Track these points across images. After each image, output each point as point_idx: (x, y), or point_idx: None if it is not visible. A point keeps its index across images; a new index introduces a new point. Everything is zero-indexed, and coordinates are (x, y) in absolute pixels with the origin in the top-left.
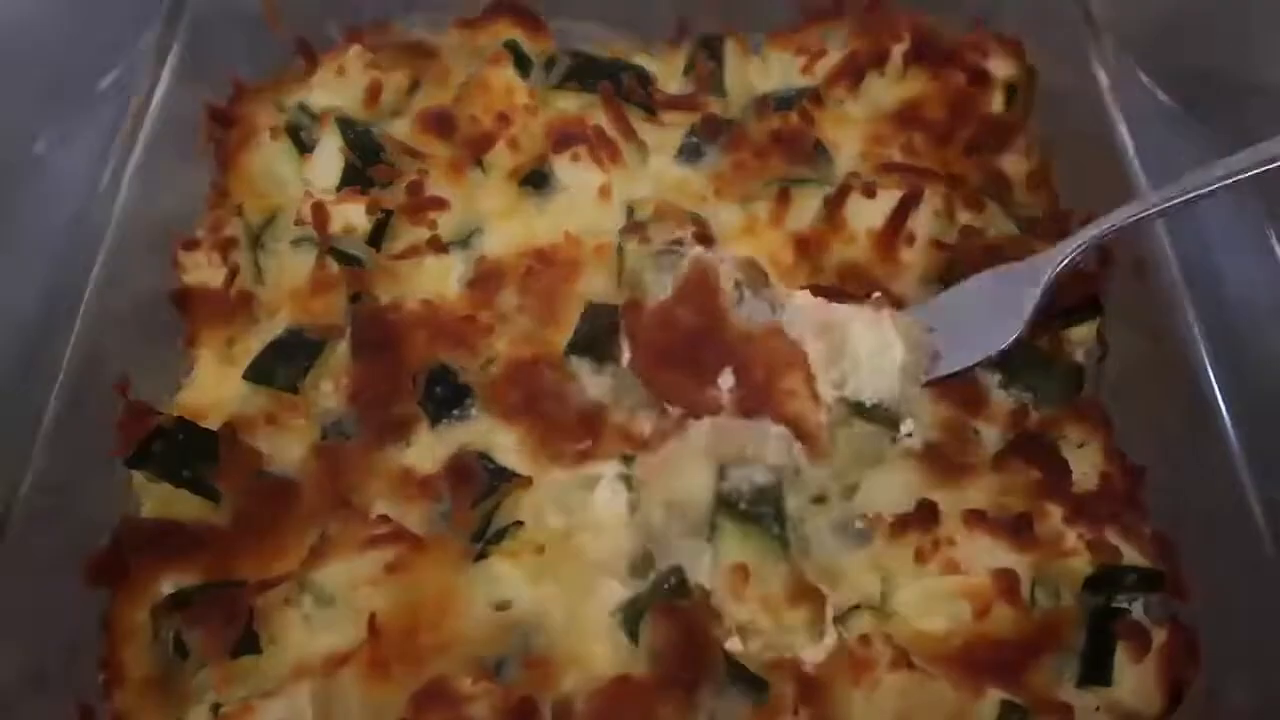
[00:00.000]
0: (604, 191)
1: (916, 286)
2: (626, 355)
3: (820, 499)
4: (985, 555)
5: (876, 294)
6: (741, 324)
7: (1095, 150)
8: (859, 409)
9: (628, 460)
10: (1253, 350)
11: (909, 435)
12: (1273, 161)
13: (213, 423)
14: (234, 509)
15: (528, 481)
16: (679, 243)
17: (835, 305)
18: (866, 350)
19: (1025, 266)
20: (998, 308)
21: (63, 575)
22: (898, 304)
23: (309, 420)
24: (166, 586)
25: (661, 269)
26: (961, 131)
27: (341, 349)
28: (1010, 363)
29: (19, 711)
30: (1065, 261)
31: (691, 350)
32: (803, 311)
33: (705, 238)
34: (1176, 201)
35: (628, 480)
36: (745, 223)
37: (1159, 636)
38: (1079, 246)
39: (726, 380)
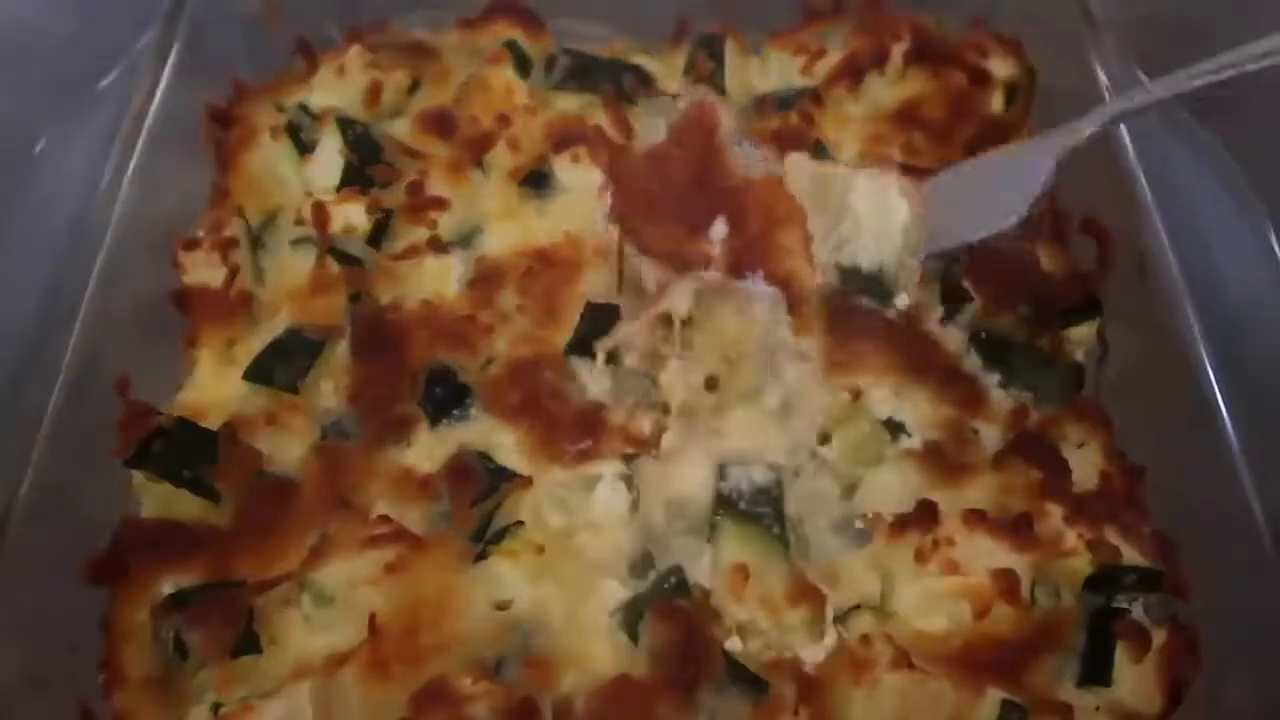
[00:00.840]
0: (604, 192)
1: (916, 286)
2: (608, 200)
3: (820, 498)
4: (985, 555)
5: (886, 160)
6: (740, 169)
7: (1095, 150)
8: (854, 275)
9: (628, 460)
10: (1253, 350)
11: (903, 309)
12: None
13: (213, 423)
14: (234, 509)
15: (528, 481)
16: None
17: (833, 165)
18: (868, 210)
19: (1032, 146)
20: (1003, 186)
21: (63, 575)
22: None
23: (309, 420)
24: (166, 586)
25: (655, 112)
26: (961, 131)
27: (341, 349)
28: (1010, 362)
29: (19, 711)
30: (1073, 144)
31: (684, 195)
32: (801, 168)
33: None
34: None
35: (628, 480)
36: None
37: (1159, 636)
38: (1089, 128)
39: (719, 230)
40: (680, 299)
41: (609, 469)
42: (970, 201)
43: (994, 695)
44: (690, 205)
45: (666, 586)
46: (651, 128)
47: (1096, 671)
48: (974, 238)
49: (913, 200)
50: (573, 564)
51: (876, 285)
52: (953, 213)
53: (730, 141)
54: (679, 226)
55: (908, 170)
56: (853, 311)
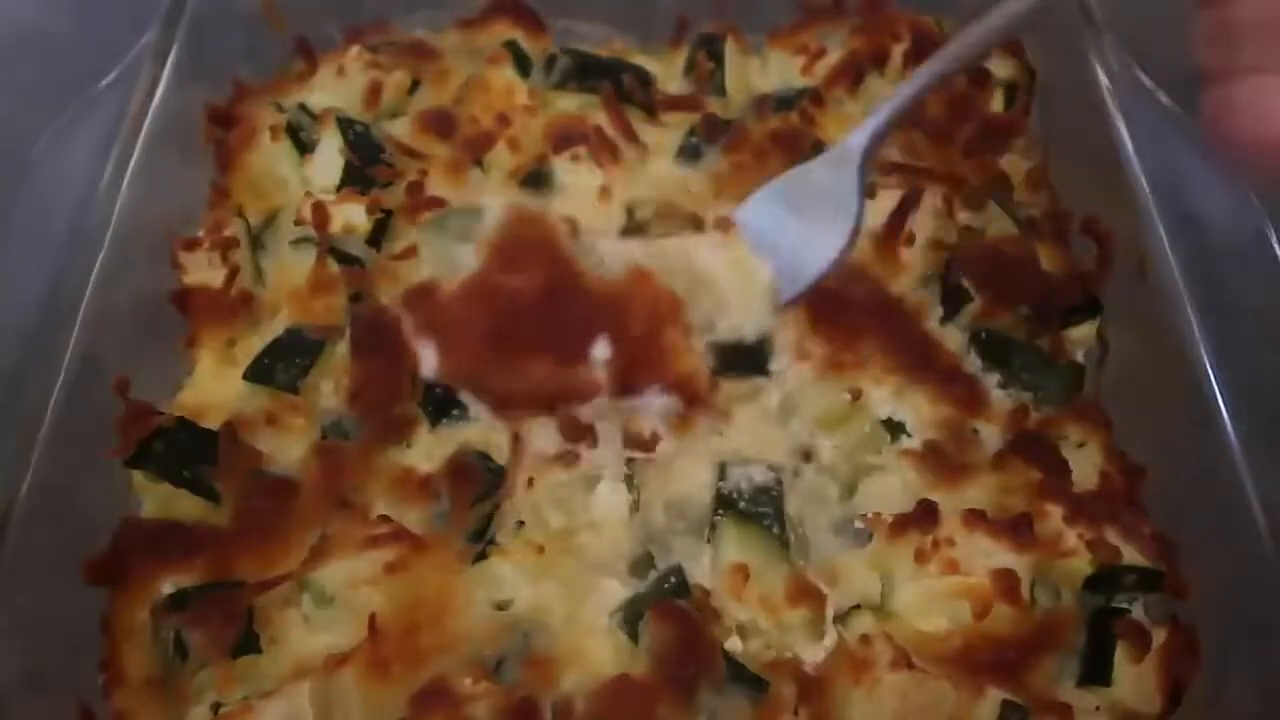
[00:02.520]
0: (604, 192)
1: (916, 286)
2: (430, 362)
3: (820, 498)
4: (985, 555)
5: (716, 214)
6: (596, 276)
7: (1095, 150)
8: (734, 351)
9: (628, 460)
10: (1252, 350)
11: (779, 374)
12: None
13: (213, 423)
14: (234, 509)
15: (528, 482)
16: (469, 209)
17: (663, 243)
18: (727, 278)
19: (836, 153)
20: (821, 207)
21: (63, 575)
22: (894, 307)
23: (309, 420)
24: (166, 586)
25: (450, 239)
26: (961, 131)
27: (341, 349)
28: (1010, 362)
29: (19, 711)
30: (874, 142)
31: (544, 320)
32: (623, 254)
33: None
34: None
35: (628, 480)
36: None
37: (1159, 636)
38: (882, 120)
39: (601, 350)
40: (543, 442)
41: (609, 470)
42: (796, 232)
43: (994, 695)
44: (553, 331)
45: (666, 586)
46: (452, 256)
47: (1096, 671)
48: (817, 278)
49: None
50: (573, 564)
51: (758, 357)
52: (783, 249)
53: (572, 244)
54: (544, 360)
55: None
56: (852, 311)
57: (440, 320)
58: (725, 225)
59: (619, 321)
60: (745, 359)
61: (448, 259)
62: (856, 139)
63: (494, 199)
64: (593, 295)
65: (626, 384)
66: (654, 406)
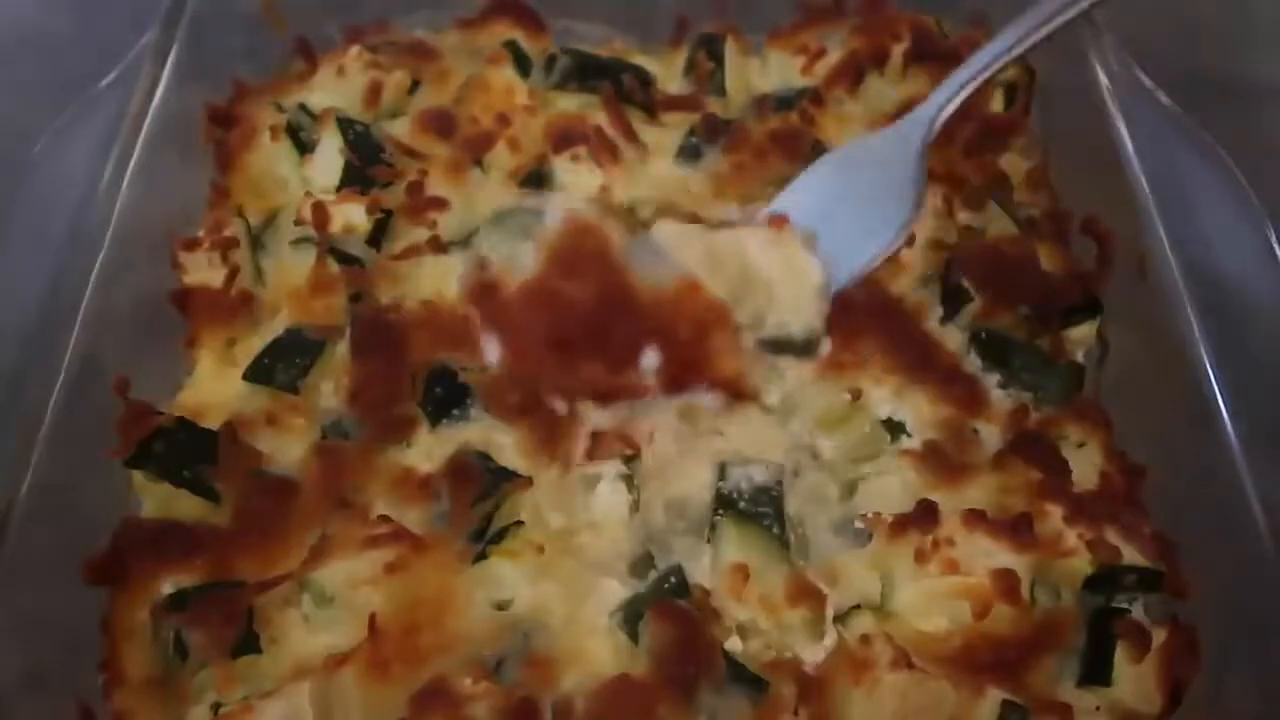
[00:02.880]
0: (604, 192)
1: (916, 286)
2: (493, 355)
3: (820, 498)
4: (985, 555)
5: (762, 208)
6: (648, 286)
7: (1095, 150)
8: (784, 347)
9: (628, 460)
10: (1253, 350)
11: (826, 353)
12: None
13: (213, 423)
14: (234, 509)
15: (528, 482)
16: (531, 210)
17: (718, 231)
18: (778, 276)
19: (892, 136)
20: (877, 193)
21: (63, 575)
22: (894, 307)
23: (309, 420)
24: (166, 586)
25: (514, 236)
26: (961, 131)
27: (341, 349)
28: (1010, 362)
29: (19, 711)
30: (939, 124)
31: (596, 328)
32: (682, 243)
33: None
34: (1039, 35)
35: (628, 480)
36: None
37: (1159, 636)
38: (948, 99)
39: (650, 360)
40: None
41: (609, 469)
42: (851, 218)
43: (994, 695)
44: (606, 338)
45: (666, 586)
46: (511, 252)
47: (1096, 671)
48: (870, 266)
49: (811, 245)
50: (573, 564)
51: (807, 348)
52: (836, 235)
53: (624, 253)
54: (598, 363)
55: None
56: (852, 311)
57: (503, 318)
58: (779, 223)
59: (667, 331)
60: (798, 350)
61: (509, 255)
62: (922, 116)
63: (558, 200)
64: (643, 305)
65: (675, 386)
66: (703, 402)
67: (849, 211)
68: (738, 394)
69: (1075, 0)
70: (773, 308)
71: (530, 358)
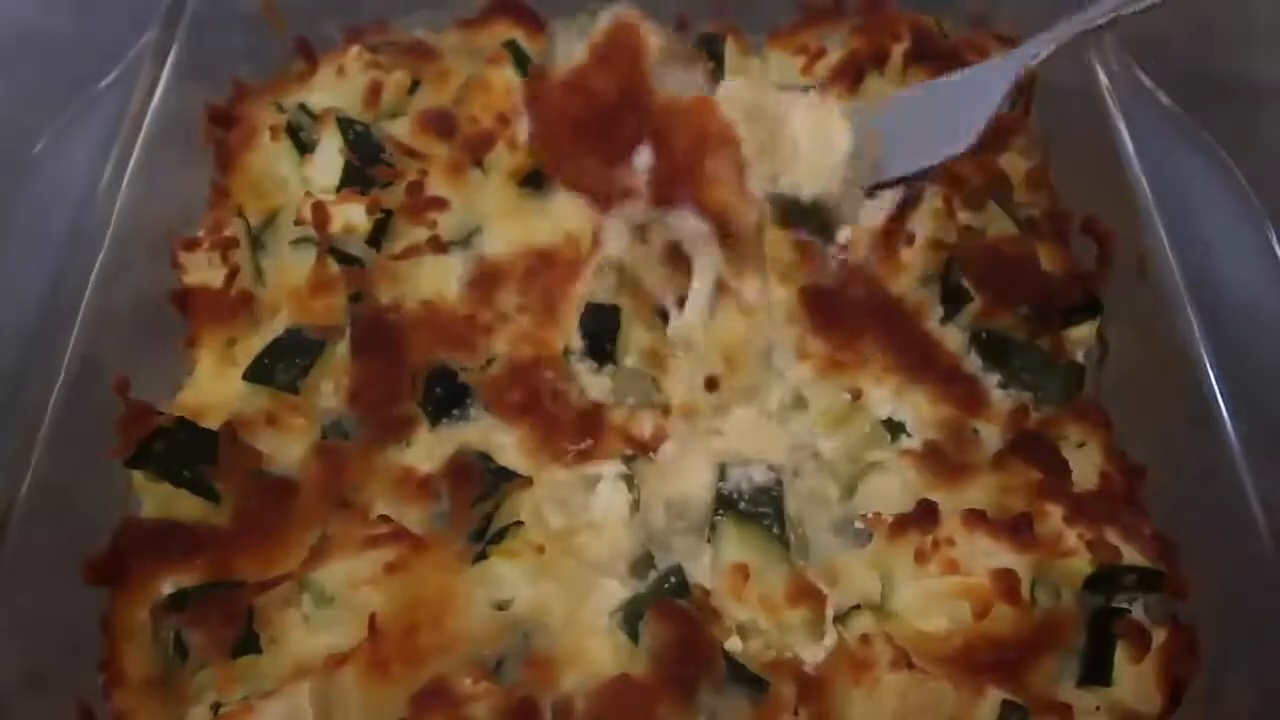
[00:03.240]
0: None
1: (916, 286)
2: (525, 129)
3: (820, 498)
4: (985, 555)
5: (816, 85)
6: (664, 92)
7: (1095, 150)
8: (792, 207)
9: (628, 460)
10: (1253, 350)
11: (843, 246)
12: None
13: (213, 423)
14: (234, 509)
15: (528, 482)
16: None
17: (772, 90)
18: (807, 139)
19: (981, 71)
20: (952, 112)
21: (63, 575)
22: (894, 307)
23: (309, 420)
24: (166, 586)
25: (574, 33)
26: None
27: (341, 349)
28: (1010, 362)
29: (19, 711)
30: (1023, 70)
31: (605, 121)
32: (735, 94)
33: None
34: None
35: (628, 480)
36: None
37: (1159, 636)
38: (1035, 53)
39: (643, 158)
40: (613, 242)
41: (609, 469)
42: (919, 128)
43: (994, 695)
44: (612, 132)
45: (666, 586)
46: (570, 49)
47: (1096, 671)
48: (927, 163)
49: (857, 127)
50: (573, 564)
51: (815, 218)
52: (901, 140)
53: (659, 62)
54: (600, 155)
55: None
56: (852, 311)
57: (540, 99)
58: (826, 90)
59: (667, 136)
60: (806, 217)
61: (568, 52)
62: (1027, 51)
63: (621, 5)
64: (653, 108)
65: (663, 196)
66: (685, 226)
67: (924, 122)
68: (723, 228)
69: None
70: (793, 165)
71: (551, 138)
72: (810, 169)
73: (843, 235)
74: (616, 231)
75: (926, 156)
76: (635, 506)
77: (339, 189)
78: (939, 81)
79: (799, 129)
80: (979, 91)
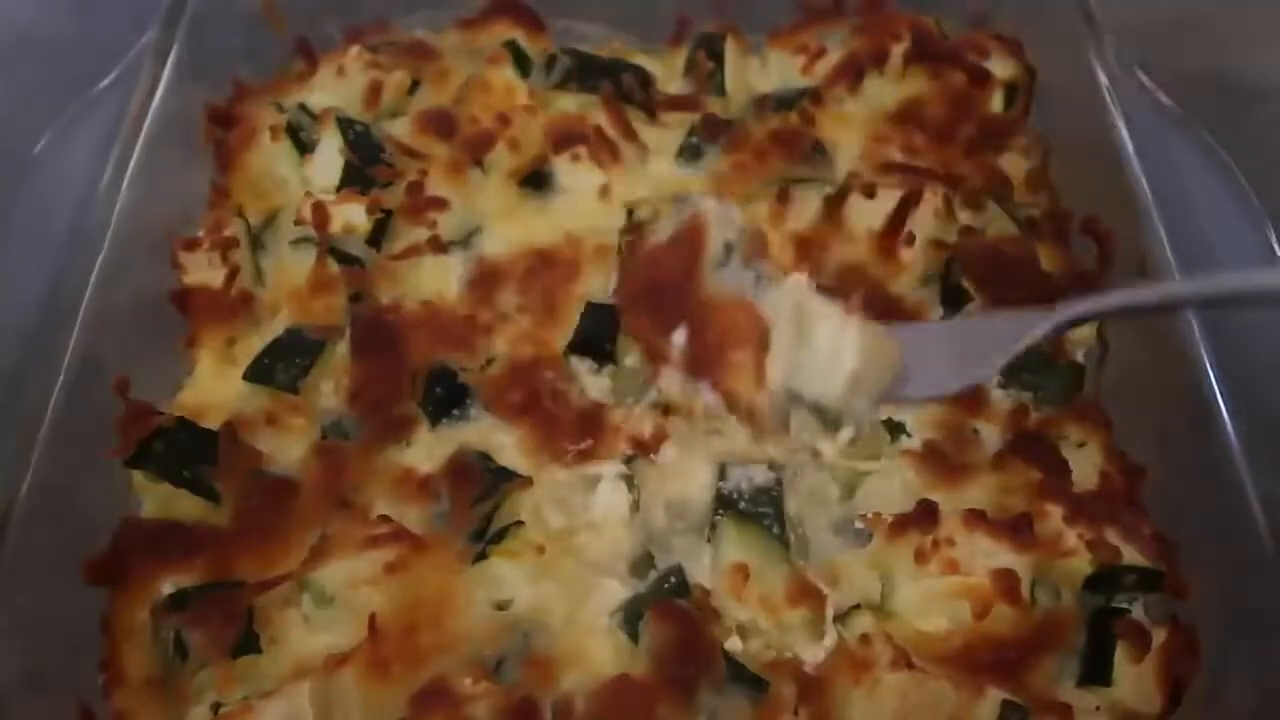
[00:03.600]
0: (604, 192)
1: (916, 286)
2: (614, 285)
3: (820, 498)
4: (985, 555)
5: (856, 298)
6: (712, 286)
7: (1095, 150)
8: (799, 400)
9: (628, 460)
10: (1253, 350)
11: (848, 441)
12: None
13: (213, 423)
14: (234, 509)
15: (528, 481)
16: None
17: (816, 296)
18: (823, 349)
19: (1017, 320)
20: (978, 348)
21: (63, 575)
22: (894, 307)
23: (309, 420)
24: (166, 586)
25: (673, 217)
26: (961, 131)
27: (341, 349)
28: (1010, 362)
29: (19, 711)
30: (1054, 330)
31: (660, 297)
32: (787, 292)
33: None
34: (1202, 296)
35: (628, 480)
36: (745, 223)
37: (1159, 636)
38: (1073, 318)
39: (679, 337)
40: (668, 385)
41: (609, 469)
42: (941, 356)
43: (994, 695)
44: (663, 308)
45: (666, 586)
46: (664, 227)
47: (1096, 671)
48: (929, 395)
49: (874, 348)
50: (573, 564)
51: (821, 414)
52: (921, 363)
53: (718, 256)
54: (653, 319)
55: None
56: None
57: (631, 262)
58: (856, 308)
59: (700, 323)
60: (813, 410)
61: (664, 228)
62: (1045, 323)
63: (707, 202)
64: (695, 295)
65: (690, 371)
66: (704, 398)
67: (942, 354)
68: (732, 406)
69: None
70: (809, 367)
71: (626, 296)
72: (818, 376)
73: (845, 434)
74: (669, 379)
75: (938, 386)
76: (635, 507)
77: (339, 189)
78: (978, 318)
79: (820, 339)
80: (1008, 334)
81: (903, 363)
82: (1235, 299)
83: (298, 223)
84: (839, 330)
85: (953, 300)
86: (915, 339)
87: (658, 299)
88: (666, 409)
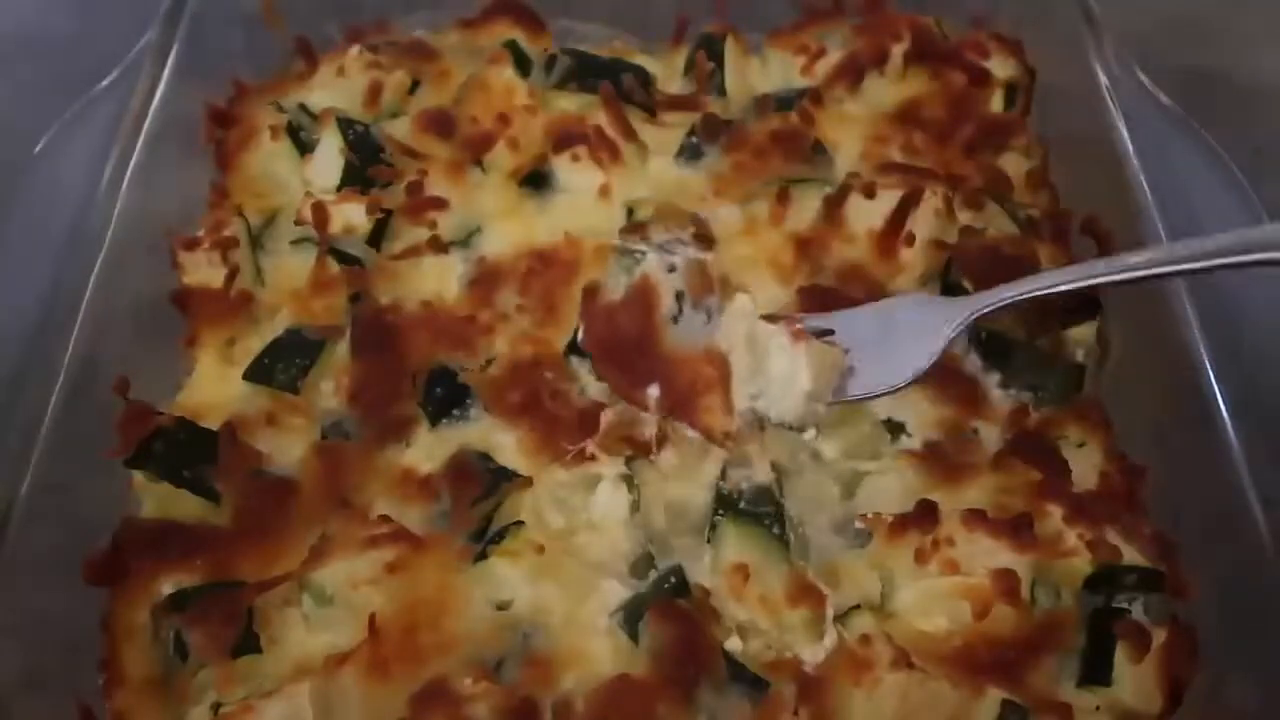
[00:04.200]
0: (604, 192)
1: (916, 286)
2: (581, 335)
3: (820, 498)
4: (985, 555)
5: (800, 320)
6: (674, 344)
7: (1095, 150)
8: (766, 419)
9: (629, 460)
10: (1252, 350)
11: (812, 439)
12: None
13: (213, 423)
14: (234, 509)
15: (528, 481)
16: (641, 252)
17: (762, 323)
18: (778, 372)
19: (947, 302)
20: (913, 336)
21: (63, 575)
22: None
23: (309, 420)
24: (166, 587)
25: (619, 268)
26: (961, 131)
27: (341, 349)
28: (1010, 362)
29: (19, 711)
30: (985, 310)
31: (628, 355)
32: (737, 317)
33: (705, 238)
34: (1117, 279)
35: (628, 481)
36: (745, 223)
37: (1159, 636)
38: (1002, 300)
39: (654, 391)
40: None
41: (609, 470)
42: (881, 348)
43: (994, 695)
44: (633, 365)
45: (666, 586)
46: (615, 281)
47: (1096, 671)
48: (875, 393)
49: (822, 360)
50: (573, 564)
51: (785, 427)
52: (862, 357)
53: (671, 310)
54: (626, 376)
55: (831, 297)
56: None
57: (593, 315)
58: (800, 337)
59: (673, 379)
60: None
61: (615, 282)
62: (965, 306)
63: (651, 259)
64: (661, 354)
65: (667, 414)
66: (686, 433)
67: (880, 347)
68: (710, 437)
69: (1165, 263)
70: (768, 391)
71: (595, 349)
72: (778, 399)
73: (809, 434)
74: (646, 423)
75: (882, 381)
76: (635, 507)
77: (339, 189)
78: (906, 300)
79: (773, 366)
80: (941, 318)
81: (845, 363)
82: (1149, 278)
83: (298, 223)
84: (791, 356)
85: None
86: (852, 334)
87: (625, 357)
88: None
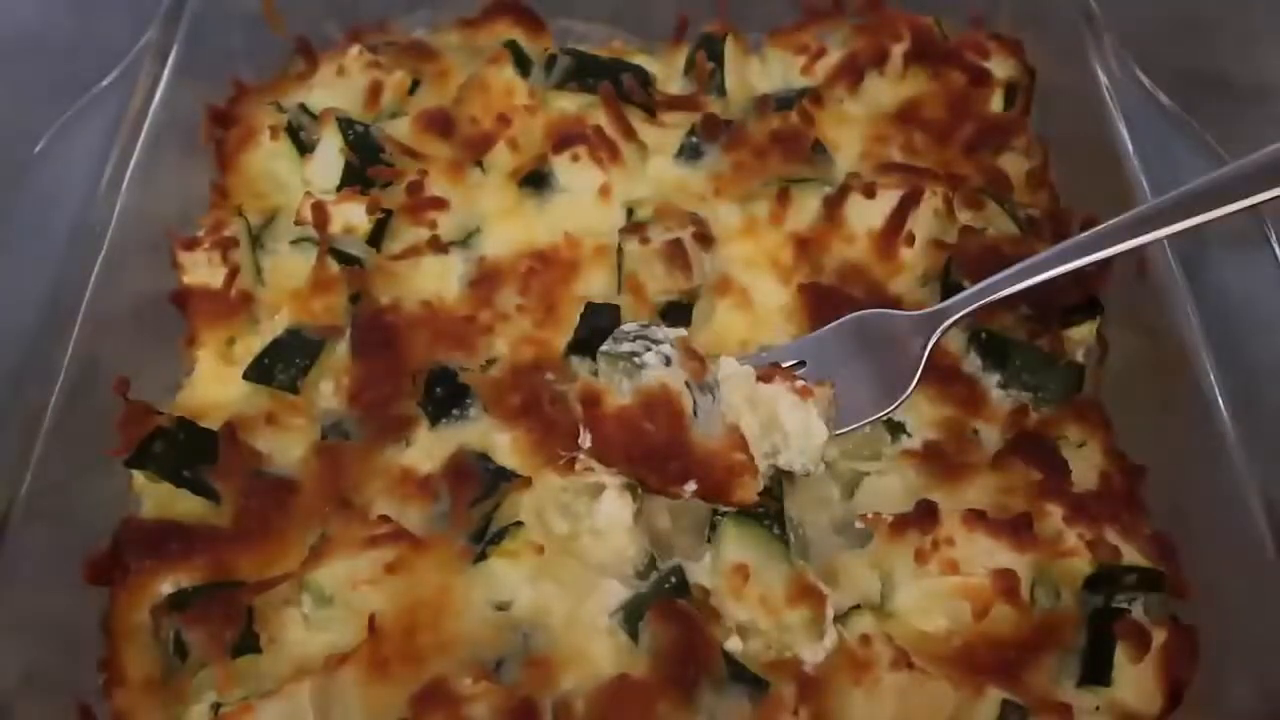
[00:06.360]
0: (604, 192)
1: (916, 286)
2: (586, 440)
3: (820, 498)
4: (985, 555)
5: (801, 379)
6: (701, 440)
7: (1095, 150)
8: (786, 474)
9: None
10: (1252, 350)
11: (821, 473)
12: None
13: (213, 423)
14: (234, 509)
15: (527, 482)
16: (637, 353)
17: (761, 386)
18: (793, 429)
19: (911, 320)
20: (887, 362)
21: (63, 575)
22: (895, 307)
23: (309, 420)
24: (166, 587)
25: (620, 373)
26: (961, 131)
27: (341, 349)
28: (1010, 363)
29: (19, 711)
30: (952, 324)
31: (657, 459)
32: (733, 384)
33: (705, 238)
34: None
35: (633, 490)
36: (745, 223)
37: (1159, 636)
38: (969, 309)
39: (690, 487)
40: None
41: (612, 479)
42: (859, 375)
43: (994, 695)
44: (663, 468)
45: (667, 586)
46: (617, 385)
47: (1096, 671)
48: (864, 421)
49: (828, 408)
50: (573, 564)
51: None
52: (844, 385)
53: (690, 414)
54: (659, 477)
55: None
56: (852, 311)
57: (599, 423)
58: (806, 393)
59: (705, 473)
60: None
61: (618, 386)
62: (941, 314)
63: (653, 364)
64: (692, 452)
65: (704, 499)
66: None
67: (858, 373)
68: (745, 509)
69: (1124, 237)
70: (786, 448)
71: (611, 452)
72: (797, 454)
73: (819, 470)
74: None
75: (868, 410)
76: (639, 514)
77: (339, 189)
78: (868, 317)
79: (787, 423)
80: (910, 337)
81: (833, 394)
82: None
83: (298, 223)
84: (800, 409)
85: None
86: (824, 361)
87: (655, 462)
88: None
